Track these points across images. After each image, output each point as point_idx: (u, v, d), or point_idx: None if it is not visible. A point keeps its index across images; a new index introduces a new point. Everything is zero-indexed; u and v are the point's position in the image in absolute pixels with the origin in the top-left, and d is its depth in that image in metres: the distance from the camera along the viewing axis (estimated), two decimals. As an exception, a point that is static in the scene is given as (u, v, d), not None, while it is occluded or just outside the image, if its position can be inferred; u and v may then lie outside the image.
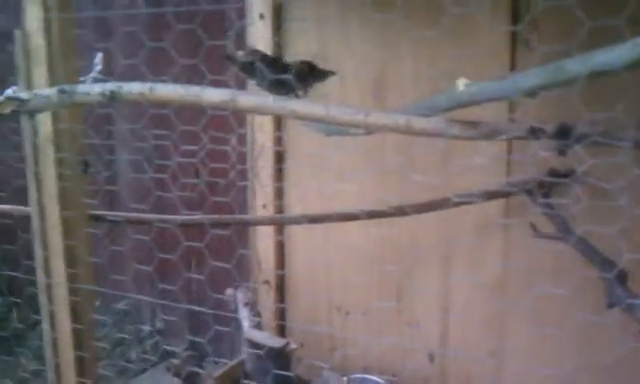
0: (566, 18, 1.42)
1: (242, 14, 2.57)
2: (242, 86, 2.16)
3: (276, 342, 2.20)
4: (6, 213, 2.40)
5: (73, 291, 2.11)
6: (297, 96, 1.47)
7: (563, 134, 1.29)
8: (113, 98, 1.51)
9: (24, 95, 1.62)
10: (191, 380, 2.32)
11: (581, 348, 2.05)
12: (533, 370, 2.15)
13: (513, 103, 2.09)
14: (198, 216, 2.37)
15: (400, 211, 2.01)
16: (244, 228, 2.77)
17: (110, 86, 1.51)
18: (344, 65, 2.38)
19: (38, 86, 1.95)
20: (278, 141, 2.57)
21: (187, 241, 2.61)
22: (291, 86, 1.45)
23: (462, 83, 1.27)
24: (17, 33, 1.97)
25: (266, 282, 2.68)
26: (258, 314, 2.38)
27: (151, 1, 2.93)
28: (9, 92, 1.82)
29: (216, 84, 1.59)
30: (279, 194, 2.63)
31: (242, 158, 2.70)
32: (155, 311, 3.36)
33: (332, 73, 1.63)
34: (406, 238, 2.40)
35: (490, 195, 2.06)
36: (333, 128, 1.70)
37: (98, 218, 2.22)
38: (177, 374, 2.33)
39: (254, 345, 2.18)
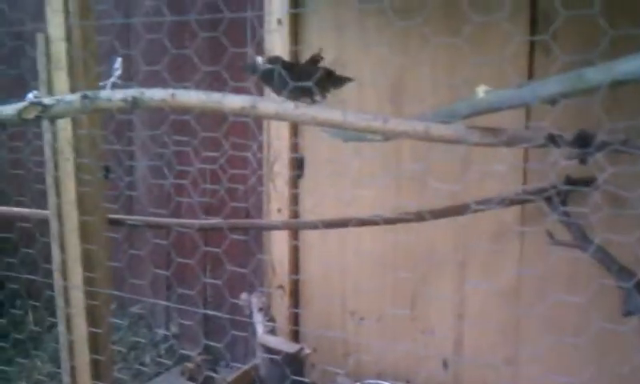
0: (587, 27, 1.42)
1: (263, 21, 2.58)
2: (262, 93, 2.17)
3: (290, 347, 2.20)
4: (25, 216, 2.43)
5: (90, 295, 2.13)
6: (314, 101, 1.48)
7: (582, 141, 1.29)
8: (135, 104, 1.52)
9: (47, 101, 1.64)
10: (205, 384, 2.33)
11: (597, 356, 2.05)
12: (548, 377, 2.14)
13: (530, 111, 2.09)
14: (213, 220, 2.38)
15: (418, 217, 2.01)
16: (259, 233, 2.78)
17: (132, 92, 1.53)
18: (362, 71, 2.39)
19: (59, 90, 1.98)
20: (295, 147, 2.58)
21: (204, 246, 2.63)
22: (310, 92, 1.46)
23: (481, 90, 1.27)
24: (38, 37, 2.00)
25: (281, 286, 2.69)
26: (272, 319, 2.39)
27: (174, 8, 2.95)
28: (30, 96, 1.84)
29: (237, 91, 1.61)
30: (294, 199, 2.64)
31: (261, 164, 2.72)
32: (170, 315, 3.37)
33: (349, 79, 1.63)
34: (421, 245, 2.40)
35: (508, 202, 2.05)
36: (350, 134, 1.71)
37: (115, 222, 2.24)
38: (191, 378, 2.34)
39: (268, 350, 2.19)
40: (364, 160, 2.36)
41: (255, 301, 2.40)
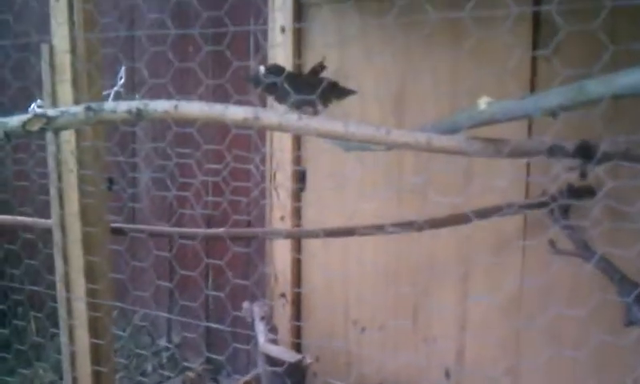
0: (590, 39, 1.43)
1: (266, 35, 2.60)
2: (265, 105, 2.18)
3: (291, 356, 2.20)
4: (27, 226, 2.44)
5: (92, 306, 2.13)
6: (317, 112, 1.49)
7: (584, 152, 1.29)
8: (139, 115, 1.53)
9: (51, 112, 1.65)
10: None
11: (599, 367, 2.04)
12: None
13: (532, 123, 2.09)
14: (215, 230, 2.39)
15: (418, 225, 2.01)
16: (262, 245, 2.79)
17: (136, 104, 1.53)
18: (364, 81, 2.40)
19: (63, 102, 1.99)
20: (297, 160, 2.59)
21: (206, 257, 2.63)
22: (313, 102, 1.47)
23: (483, 102, 1.27)
24: (43, 47, 2.01)
25: (283, 295, 2.69)
26: (274, 328, 2.38)
27: (178, 21, 2.97)
28: (34, 106, 1.85)
29: (241, 104, 1.61)
30: (297, 212, 2.64)
31: (264, 177, 2.73)
32: (172, 325, 3.37)
33: (353, 91, 1.63)
34: (423, 256, 2.40)
35: (514, 210, 2.05)
36: (352, 144, 1.71)
37: (117, 231, 2.25)
38: (192, 387, 2.34)
39: (270, 359, 2.18)
40: (366, 172, 2.37)
41: (257, 310, 2.40)
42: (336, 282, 2.62)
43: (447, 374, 2.45)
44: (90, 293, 2.12)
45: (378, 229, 2.11)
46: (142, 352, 3.30)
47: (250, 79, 1.51)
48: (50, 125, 1.65)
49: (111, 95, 1.88)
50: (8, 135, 1.70)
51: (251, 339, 2.43)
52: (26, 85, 2.68)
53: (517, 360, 2.29)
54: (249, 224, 2.90)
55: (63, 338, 2.20)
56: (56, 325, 2.24)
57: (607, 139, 1.32)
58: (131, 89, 1.87)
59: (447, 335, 2.43)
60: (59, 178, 2.08)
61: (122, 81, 1.90)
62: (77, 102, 1.96)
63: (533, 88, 2.11)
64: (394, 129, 1.37)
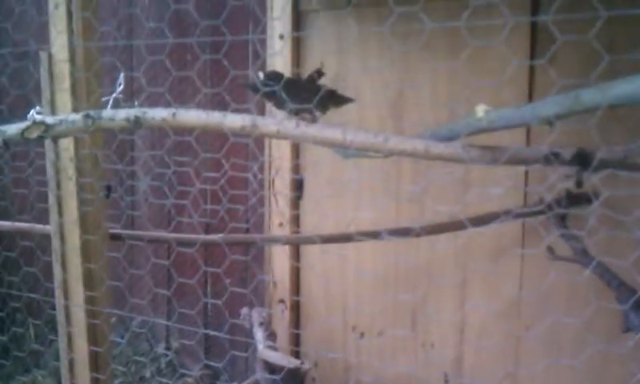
0: (586, 50, 1.43)
1: (265, 44, 2.61)
2: (264, 113, 2.19)
3: (290, 362, 2.20)
4: (25, 232, 2.44)
5: (91, 314, 2.13)
6: (315, 117, 1.49)
7: (581, 160, 1.30)
8: (137, 123, 1.53)
9: (50, 120, 1.65)
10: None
11: (597, 373, 2.04)
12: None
13: (531, 131, 2.10)
14: (213, 236, 2.39)
15: (414, 233, 2.02)
16: (260, 253, 2.79)
17: (135, 112, 1.54)
18: (362, 88, 2.40)
19: (62, 109, 2.00)
20: (296, 168, 2.60)
21: (205, 265, 2.63)
22: (310, 110, 1.47)
23: (481, 110, 1.27)
24: (42, 54, 2.02)
25: (282, 301, 2.69)
26: (273, 334, 2.38)
27: (176, 30, 2.98)
28: (33, 112, 1.86)
29: (239, 112, 1.62)
30: (296, 220, 2.65)
31: (262, 185, 2.73)
32: (170, 330, 3.37)
33: (351, 99, 1.64)
34: (421, 262, 2.41)
35: (512, 216, 2.05)
36: (351, 151, 1.72)
37: (116, 237, 2.25)
38: (190, 393, 2.34)
39: (268, 365, 2.18)
40: (364, 180, 2.37)
41: (256, 316, 2.40)
42: (335, 288, 2.62)
43: (446, 380, 2.44)
44: (89, 300, 2.13)
45: (374, 235, 2.12)
46: (141, 359, 3.30)
47: (249, 86, 1.52)
48: (49, 132, 1.66)
49: (110, 102, 1.89)
50: (6, 143, 1.71)
51: (249, 346, 2.43)
52: (24, 93, 2.69)
53: (515, 366, 2.29)
54: (247, 232, 2.91)
55: (62, 345, 2.20)
56: (54, 331, 2.24)
57: (604, 148, 1.33)
58: (130, 96, 1.88)
59: (446, 341, 2.43)
60: (58, 185, 2.09)
61: (121, 87, 1.90)
62: (75, 110, 1.96)
63: (531, 96, 2.12)
64: (392, 136, 1.38)
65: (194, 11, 2.78)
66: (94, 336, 2.15)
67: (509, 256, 2.23)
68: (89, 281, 2.12)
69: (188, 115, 1.51)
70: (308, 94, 1.47)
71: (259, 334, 2.32)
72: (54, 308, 2.21)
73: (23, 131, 1.67)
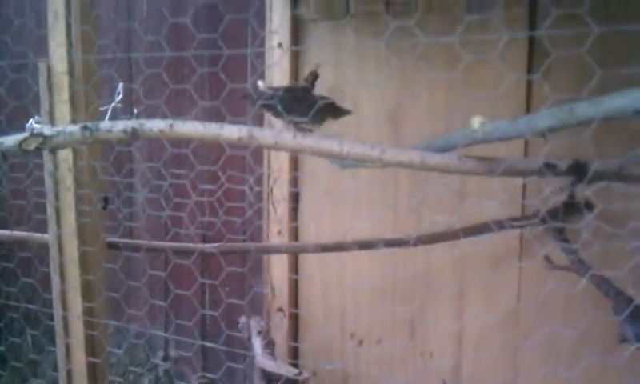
0: (581, 64, 1.44)
1: (263, 58, 2.62)
2: (261, 125, 2.19)
3: (288, 371, 2.20)
4: (23, 241, 2.45)
5: (89, 325, 2.13)
6: (313, 126, 1.50)
7: (577, 170, 1.31)
8: (135, 134, 1.54)
9: (48, 131, 1.66)
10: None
11: (595, 381, 2.05)
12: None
13: (528, 142, 2.11)
14: (211, 244, 2.39)
15: (410, 242, 2.02)
16: (257, 265, 2.79)
17: (132, 123, 1.55)
18: (360, 97, 2.41)
19: (61, 120, 2.00)
20: (294, 180, 2.60)
21: (202, 276, 2.63)
22: (306, 122, 1.48)
23: (476, 121, 1.28)
24: (41, 65, 2.03)
25: (280, 309, 2.69)
26: (271, 343, 2.38)
27: (174, 43, 3.00)
28: (31, 122, 1.87)
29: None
30: (294, 232, 2.65)
31: (259, 198, 2.74)
32: (168, 340, 3.37)
33: (348, 112, 1.65)
34: (419, 271, 2.41)
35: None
36: (348, 161, 1.73)
37: (113, 246, 2.25)
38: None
39: (266, 374, 2.18)
40: (361, 190, 2.38)
41: (254, 324, 2.40)
42: (333, 297, 2.63)
43: (445, 388, 2.45)
44: (87, 311, 2.13)
45: (369, 245, 2.13)
46: (137, 370, 3.29)
47: (248, 95, 1.53)
48: (47, 144, 1.67)
49: (109, 111, 1.90)
50: (4, 154, 1.71)
51: (247, 357, 2.43)
52: (22, 104, 2.69)
53: (514, 375, 2.29)
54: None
55: (60, 356, 2.20)
56: (52, 342, 2.24)
57: (599, 160, 1.34)
58: (129, 104, 1.89)
59: (444, 350, 2.43)
60: (56, 196, 2.09)
61: (120, 97, 1.91)
62: (74, 121, 1.96)
63: (529, 108, 2.13)
64: (389, 148, 1.38)
65: (192, 25, 2.79)
66: (91, 347, 2.15)
67: (506, 266, 2.24)
68: (87, 292, 2.12)
69: (185, 126, 1.52)
70: (305, 107, 1.48)
71: (257, 343, 2.32)
72: (51, 318, 2.21)
73: (21, 143, 1.67)
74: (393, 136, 2.38)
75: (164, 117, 1.57)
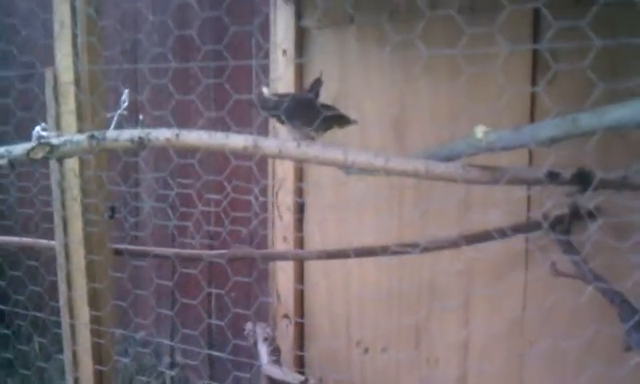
0: (584, 76, 1.45)
1: (267, 69, 2.63)
2: (266, 135, 2.20)
3: (294, 378, 2.19)
4: (30, 248, 2.46)
5: (96, 333, 2.14)
6: (318, 133, 1.51)
7: (581, 179, 1.31)
8: (141, 143, 1.55)
9: (55, 141, 1.67)
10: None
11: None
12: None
13: (533, 151, 2.11)
14: (219, 251, 2.39)
15: (414, 249, 2.02)
16: (263, 274, 2.80)
17: (138, 133, 1.56)
18: (365, 105, 2.42)
19: (67, 130, 2.01)
20: (299, 190, 2.61)
21: (209, 285, 2.63)
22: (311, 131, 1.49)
23: (480, 131, 1.29)
24: (47, 72, 2.04)
25: (286, 316, 2.69)
26: (277, 349, 2.38)
27: (179, 55, 3.01)
28: (38, 129, 1.88)
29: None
30: (300, 242, 2.66)
31: (264, 207, 2.74)
32: (175, 347, 3.37)
33: (354, 121, 1.65)
34: (425, 279, 2.41)
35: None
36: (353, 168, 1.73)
37: (120, 252, 2.26)
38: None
39: (272, 381, 2.18)
40: (367, 198, 2.39)
41: (260, 331, 2.40)
42: (338, 305, 2.63)
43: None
44: (94, 319, 2.13)
45: (373, 252, 2.13)
46: (144, 378, 3.29)
47: (255, 102, 1.54)
48: (54, 153, 1.68)
49: (115, 118, 1.91)
50: (12, 163, 1.73)
51: (254, 365, 2.43)
52: (30, 114, 2.71)
53: (520, 382, 2.29)
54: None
55: (67, 364, 2.21)
56: (60, 349, 2.25)
57: (603, 169, 1.34)
58: (135, 111, 1.90)
59: (450, 359, 2.43)
60: (63, 205, 2.10)
61: (126, 104, 1.92)
62: (80, 131, 1.98)
63: (532, 117, 2.13)
64: (393, 156, 1.39)
65: (197, 37, 2.80)
66: (98, 354, 2.16)
67: (512, 275, 2.23)
68: (94, 300, 2.13)
69: (191, 136, 1.53)
70: (310, 115, 1.49)
71: (263, 350, 2.32)
72: (59, 326, 2.22)
73: (29, 152, 1.68)
74: (397, 142, 2.38)
75: (170, 127, 1.58)
